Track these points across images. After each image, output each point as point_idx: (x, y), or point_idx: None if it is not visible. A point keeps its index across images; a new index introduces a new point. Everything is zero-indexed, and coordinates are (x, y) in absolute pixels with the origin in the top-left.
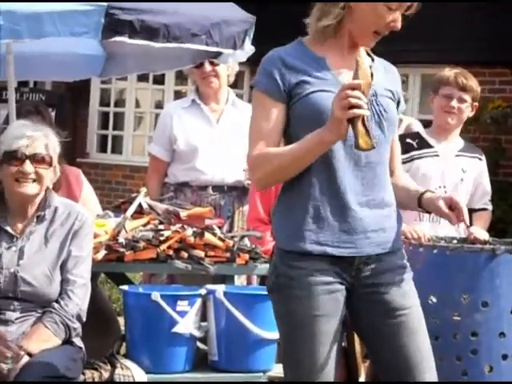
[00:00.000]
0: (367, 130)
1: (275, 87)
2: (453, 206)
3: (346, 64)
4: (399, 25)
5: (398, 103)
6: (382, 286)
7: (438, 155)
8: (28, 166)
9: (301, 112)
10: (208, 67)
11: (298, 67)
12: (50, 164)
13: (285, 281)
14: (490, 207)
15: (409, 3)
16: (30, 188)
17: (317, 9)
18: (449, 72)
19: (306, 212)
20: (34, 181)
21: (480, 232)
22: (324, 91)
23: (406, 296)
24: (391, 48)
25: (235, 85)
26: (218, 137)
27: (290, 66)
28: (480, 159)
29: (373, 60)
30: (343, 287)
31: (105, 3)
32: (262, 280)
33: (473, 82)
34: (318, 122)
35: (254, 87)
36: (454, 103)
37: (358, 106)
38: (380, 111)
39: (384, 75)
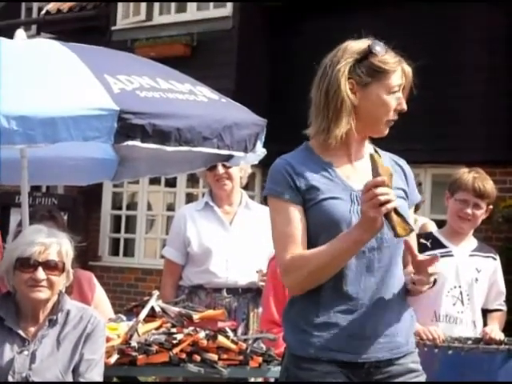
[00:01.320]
0: (402, 217)
1: (289, 191)
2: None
3: (352, 167)
4: (405, 105)
5: (409, 199)
6: None
7: (452, 255)
8: (40, 273)
9: (315, 218)
10: (221, 170)
11: (306, 173)
12: (63, 270)
13: (295, 381)
14: (504, 308)
15: (408, 81)
16: (42, 294)
17: (322, 117)
18: (467, 176)
19: (315, 317)
20: (46, 287)
21: (495, 332)
22: (334, 198)
23: None
24: (401, 147)
25: (246, 186)
26: (231, 239)
27: (298, 172)
28: (494, 259)
29: (380, 156)
30: None
31: (117, 107)
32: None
33: (490, 187)
34: (334, 229)
35: (268, 196)
36: (469, 210)
37: (388, 201)
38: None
39: (394, 174)
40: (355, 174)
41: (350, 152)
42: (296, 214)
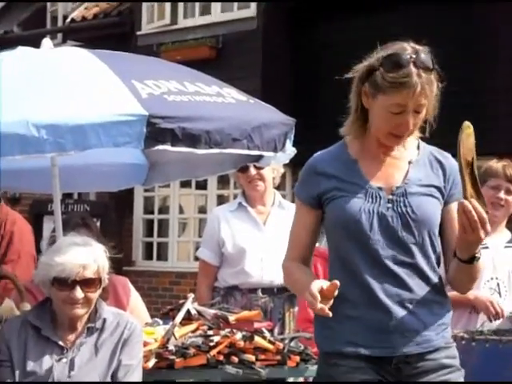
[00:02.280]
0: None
1: (307, 194)
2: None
3: (378, 164)
4: (409, 126)
5: (448, 195)
6: None
7: (487, 247)
8: (78, 293)
9: (330, 215)
10: (253, 171)
11: (329, 173)
12: (100, 285)
13: (324, 380)
14: None
15: (417, 104)
16: (80, 311)
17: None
18: (496, 164)
19: (340, 313)
20: (84, 303)
21: None
22: (349, 196)
23: None
24: (432, 141)
25: (278, 186)
26: (265, 239)
27: (321, 173)
28: None
29: (418, 148)
30: None
31: (146, 112)
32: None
33: None
34: (343, 227)
35: (295, 194)
36: (502, 194)
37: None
38: (407, 212)
39: (427, 170)
40: (380, 170)
41: (378, 148)
42: (306, 216)
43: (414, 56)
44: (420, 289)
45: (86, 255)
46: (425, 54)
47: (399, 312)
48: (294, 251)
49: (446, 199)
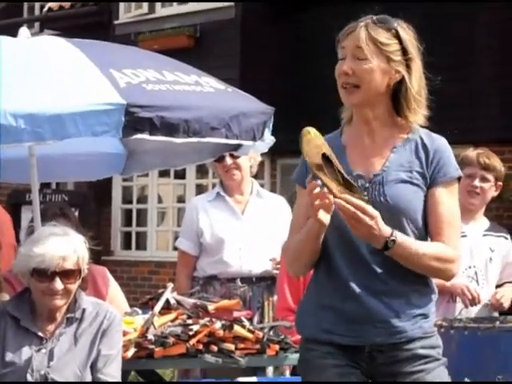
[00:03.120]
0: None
1: (302, 176)
2: None
3: (361, 150)
4: (343, 67)
5: (431, 178)
6: (399, 376)
7: (465, 235)
8: (58, 284)
9: None
10: (229, 160)
11: None
12: (79, 275)
13: (303, 365)
14: None
15: (354, 45)
16: (59, 301)
17: None
18: (471, 152)
19: (316, 301)
20: (63, 295)
21: (506, 296)
22: None
23: None
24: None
25: (256, 175)
26: (243, 228)
27: None
28: (506, 238)
29: (408, 133)
30: (358, 371)
31: (124, 101)
32: (294, 370)
33: (496, 162)
34: None
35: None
36: (477, 182)
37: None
38: (381, 201)
39: (409, 156)
40: (362, 156)
41: (362, 130)
42: (302, 198)
43: (372, 17)
44: (396, 279)
45: (65, 246)
46: (386, 18)
47: (372, 302)
48: (293, 233)
49: (430, 183)
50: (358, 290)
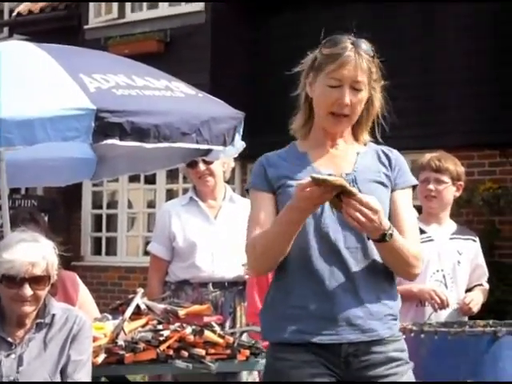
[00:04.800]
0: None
1: (261, 181)
2: None
3: (328, 154)
4: (345, 100)
5: (393, 184)
6: (374, 381)
7: (432, 240)
8: (27, 290)
9: (283, 201)
10: (202, 167)
11: (280, 164)
12: (49, 282)
13: (272, 374)
14: (486, 285)
15: (354, 79)
16: (28, 308)
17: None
18: (425, 158)
19: (285, 302)
20: (32, 301)
21: (475, 300)
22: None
23: None
24: (380, 135)
25: (227, 180)
26: (216, 233)
27: (272, 164)
28: (474, 241)
29: (365, 144)
30: (333, 379)
31: (94, 106)
32: None
33: (449, 163)
34: None
35: (248, 189)
36: (431, 186)
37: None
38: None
39: (374, 161)
40: (330, 160)
41: (325, 142)
42: (263, 200)
43: (352, 39)
44: (367, 275)
45: (34, 252)
46: (364, 43)
47: (345, 299)
48: (254, 232)
49: (392, 187)
50: (331, 287)
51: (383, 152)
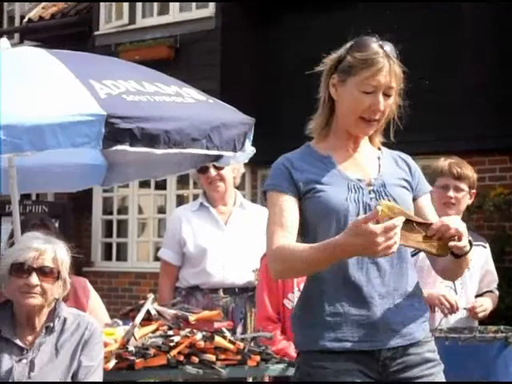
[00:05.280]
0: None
1: (285, 183)
2: None
3: (351, 158)
4: (380, 107)
5: (416, 190)
6: (410, 381)
7: None
8: (34, 279)
9: (313, 207)
10: (213, 172)
11: (305, 167)
12: (57, 278)
13: (307, 380)
14: (496, 291)
15: (388, 85)
16: (35, 300)
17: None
18: (443, 162)
19: (322, 309)
20: (39, 294)
21: (484, 306)
22: (331, 188)
23: None
24: (388, 139)
25: (237, 186)
26: (227, 239)
27: (295, 166)
28: (484, 247)
29: (379, 149)
30: None
31: (104, 112)
32: (276, 380)
33: (468, 170)
34: (332, 216)
35: (266, 191)
36: (451, 193)
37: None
38: (392, 201)
39: (395, 166)
40: (354, 163)
41: (347, 145)
42: (288, 203)
43: (379, 42)
44: (401, 280)
45: (44, 243)
46: (390, 46)
47: (383, 305)
48: (279, 237)
49: (416, 193)
50: (369, 293)
51: (400, 157)
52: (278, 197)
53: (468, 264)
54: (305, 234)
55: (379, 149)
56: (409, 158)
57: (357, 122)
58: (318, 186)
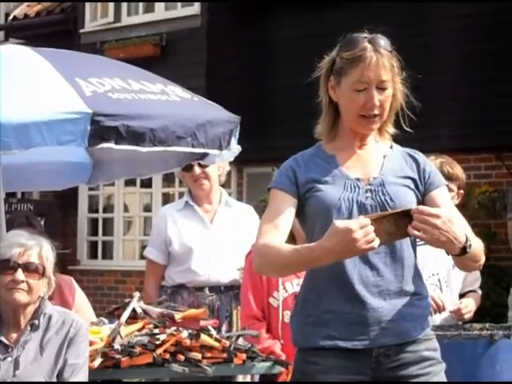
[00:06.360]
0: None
1: (286, 182)
2: None
3: (356, 156)
4: (374, 102)
5: (426, 185)
6: (406, 380)
7: None
8: (19, 275)
9: (311, 206)
10: (198, 170)
11: (308, 167)
12: (43, 275)
13: (299, 376)
14: (479, 291)
15: (379, 79)
16: (21, 296)
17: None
18: (434, 161)
19: (316, 307)
20: (25, 290)
21: (469, 307)
22: (328, 186)
23: None
24: (402, 130)
25: (223, 185)
26: (212, 237)
27: (300, 166)
28: None
29: (391, 147)
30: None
31: (90, 110)
32: (262, 378)
33: (458, 171)
34: (325, 214)
35: (270, 188)
36: None
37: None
38: (385, 200)
39: (402, 164)
40: (357, 162)
41: (354, 144)
42: (285, 201)
43: (369, 36)
44: (397, 279)
45: (28, 239)
46: (381, 38)
47: (377, 303)
48: (267, 233)
49: (426, 188)
50: (362, 291)
51: (409, 155)
52: (278, 195)
53: (476, 257)
54: (306, 232)
55: (391, 147)
56: (418, 155)
57: (357, 120)
58: (318, 186)
